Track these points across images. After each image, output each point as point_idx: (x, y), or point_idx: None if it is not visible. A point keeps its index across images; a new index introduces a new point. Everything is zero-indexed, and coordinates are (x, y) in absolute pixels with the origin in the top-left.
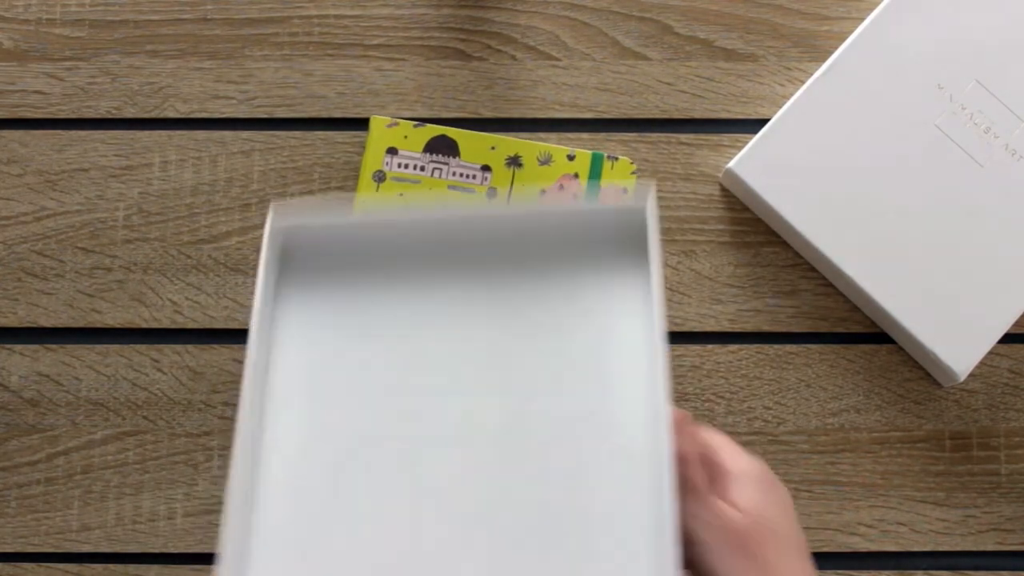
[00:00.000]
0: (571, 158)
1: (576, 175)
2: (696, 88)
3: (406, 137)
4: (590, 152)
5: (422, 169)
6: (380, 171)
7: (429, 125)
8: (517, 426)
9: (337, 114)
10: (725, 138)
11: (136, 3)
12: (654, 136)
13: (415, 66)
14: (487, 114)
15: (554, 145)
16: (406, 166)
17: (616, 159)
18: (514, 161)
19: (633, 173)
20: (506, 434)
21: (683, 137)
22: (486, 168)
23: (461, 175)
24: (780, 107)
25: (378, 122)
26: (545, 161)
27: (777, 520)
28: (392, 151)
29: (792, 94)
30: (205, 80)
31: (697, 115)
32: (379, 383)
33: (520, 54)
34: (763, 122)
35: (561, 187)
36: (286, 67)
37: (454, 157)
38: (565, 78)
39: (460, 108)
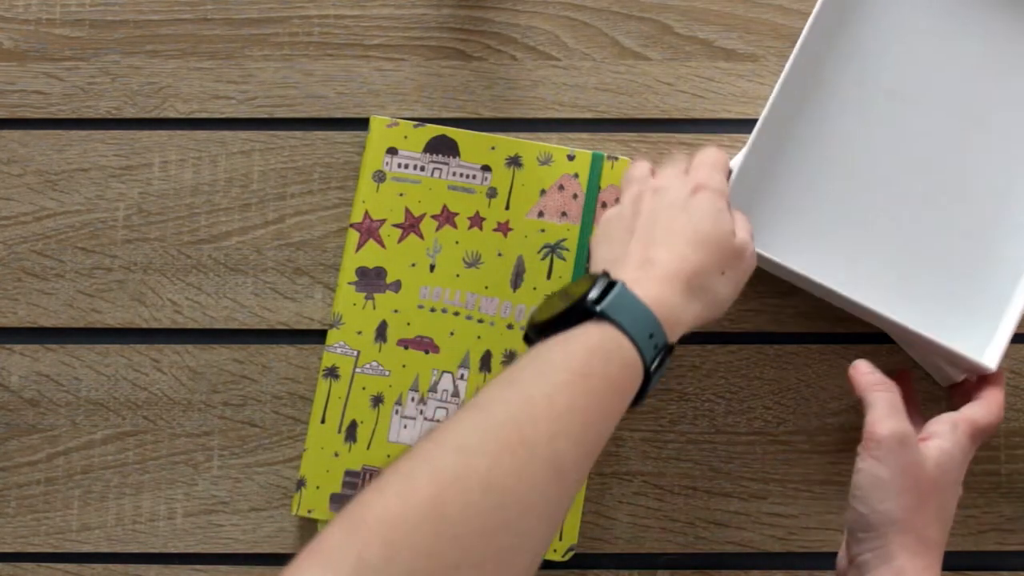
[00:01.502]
0: (571, 158)
1: (576, 175)
2: (696, 88)
3: (406, 137)
4: (590, 152)
5: (422, 169)
6: (380, 171)
7: (429, 125)
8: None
9: (337, 114)
10: (725, 138)
11: (136, 3)
12: (654, 136)
13: (415, 66)
14: (487, 114)
15: (554, 145)
16: (406, 166)
17: (616, 159)
18: (514, 161)
19: None
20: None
21: (683, 137)
22: (486, 168)
23: (461, 175)
24: None
25: (378, 122)
26: (545, 161)
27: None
28: (392, 151)
29: None
30: (205, 80)
31: (697, 115)
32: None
33: (520, 54)
34: None
35: (561, 187)
36: (286, 67)
37: (454, 157)
38: (565, 78)
39: (460, 108)
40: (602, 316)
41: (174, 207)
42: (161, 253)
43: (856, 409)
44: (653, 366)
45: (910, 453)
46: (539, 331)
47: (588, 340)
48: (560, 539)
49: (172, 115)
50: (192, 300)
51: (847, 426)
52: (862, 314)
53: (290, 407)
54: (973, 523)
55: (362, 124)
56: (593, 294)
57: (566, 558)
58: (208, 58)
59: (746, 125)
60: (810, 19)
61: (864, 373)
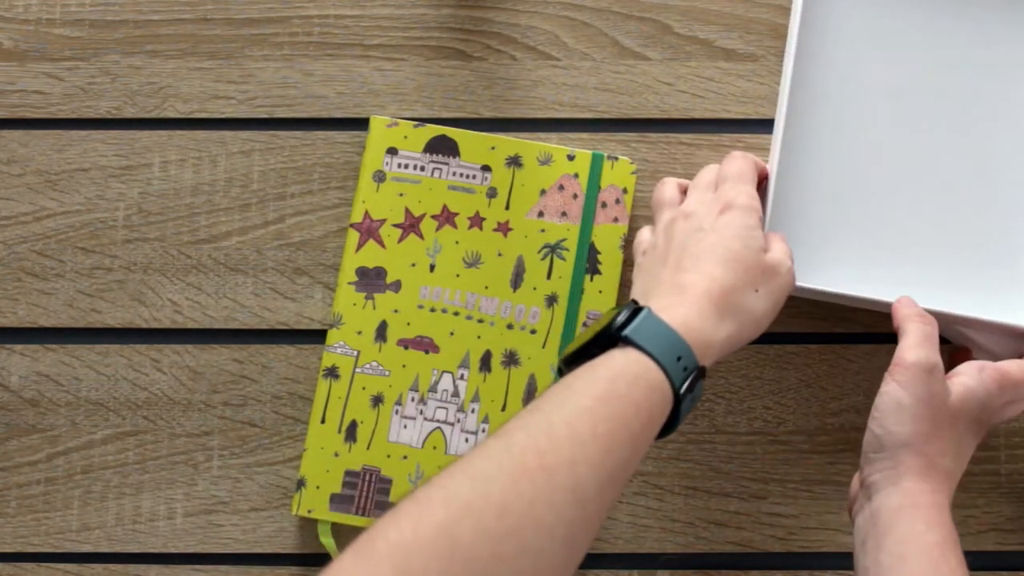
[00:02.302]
0: (571, 158)
1: (576, 175)
2: (696, 88)
3: (406, 137)
4: (590, 152)
5: (422, 169)
6: (380, 171)
7: (429, 125)
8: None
9: (337, 114)
10: (725, 138)
11: (136, 3)
12: (654, 136)
13: (415, 66)
14: (487, 114)
15: (554, 145)
16: (406, 166)
17: (616, 159)
18: (514, 161)
19: (633, 173)
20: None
21: (683, 137)
22: (486, 168)
23: (461, 175)
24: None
25: (378, 122)
26: (545, 161)
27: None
28: (392, 151)
29: None
30: (205, 80)
31: (697, 115)
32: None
33: (520, 54)
34: (763, 122)
35: (561, 187)
36: (286, 67)
37: (454, 157)
38: (565, 78)
39: (460, 108)
40: (627, 342)
41: (174, 207)
42: (161, 253)
43: (856, 409)
44: (683, 389)
45: (934, 383)
46: (568, 362)
47: (612, 366)
48: None
49: (172, 115)
50: (192, 300)
51: (847, 426)
52: None
53: (290, 407)
54: (973, 523)
55: (362, 124)
56: (619, 321)
57: None
58: (208, 58)
59: (746, 125)
60: (793, 34)
61: (905, 305)
